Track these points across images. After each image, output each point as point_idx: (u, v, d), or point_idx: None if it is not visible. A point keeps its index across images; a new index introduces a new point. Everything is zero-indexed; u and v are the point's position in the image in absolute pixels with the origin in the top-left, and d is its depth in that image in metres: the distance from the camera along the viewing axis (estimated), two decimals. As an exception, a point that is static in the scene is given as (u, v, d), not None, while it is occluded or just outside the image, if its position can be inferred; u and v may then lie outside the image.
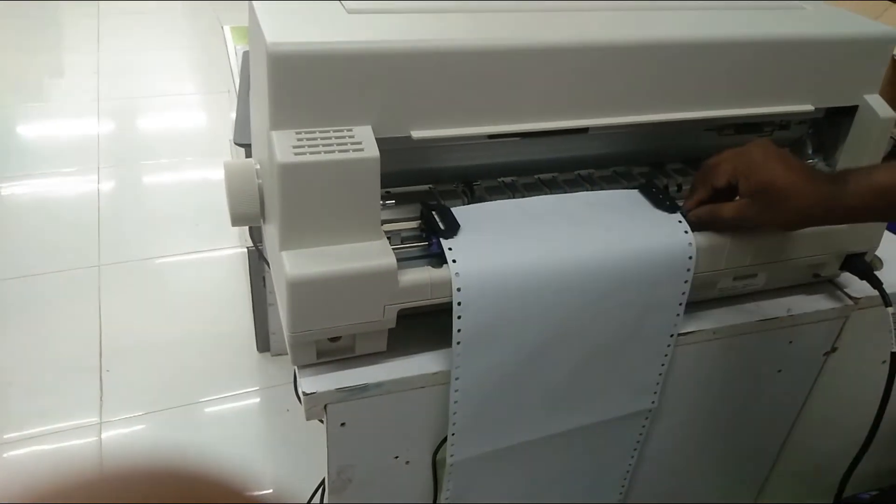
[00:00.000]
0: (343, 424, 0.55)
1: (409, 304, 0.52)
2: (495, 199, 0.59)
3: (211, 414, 1.25)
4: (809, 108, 0.62)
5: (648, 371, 0.62)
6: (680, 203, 0.59)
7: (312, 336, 0.51)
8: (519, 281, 0.52)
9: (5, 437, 1.17)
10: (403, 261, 0.52)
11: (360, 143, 0.48)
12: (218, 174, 1.87)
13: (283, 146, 0.47)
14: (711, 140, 0.66)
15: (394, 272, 0.50)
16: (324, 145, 0.48)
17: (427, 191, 0.60)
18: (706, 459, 0.79)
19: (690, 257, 0.58)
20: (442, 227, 0.53)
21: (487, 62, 0.50)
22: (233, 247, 1.59)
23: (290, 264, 0.48)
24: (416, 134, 0.51)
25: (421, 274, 0.51)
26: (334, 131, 0.49)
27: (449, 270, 0.51)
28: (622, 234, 0.56)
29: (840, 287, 0.69)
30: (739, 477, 0.84)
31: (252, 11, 0.53)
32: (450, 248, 0.52)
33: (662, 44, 0.55)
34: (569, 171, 0.64)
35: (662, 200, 0.60)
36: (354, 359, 0.55)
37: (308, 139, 0.48)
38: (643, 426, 0.66)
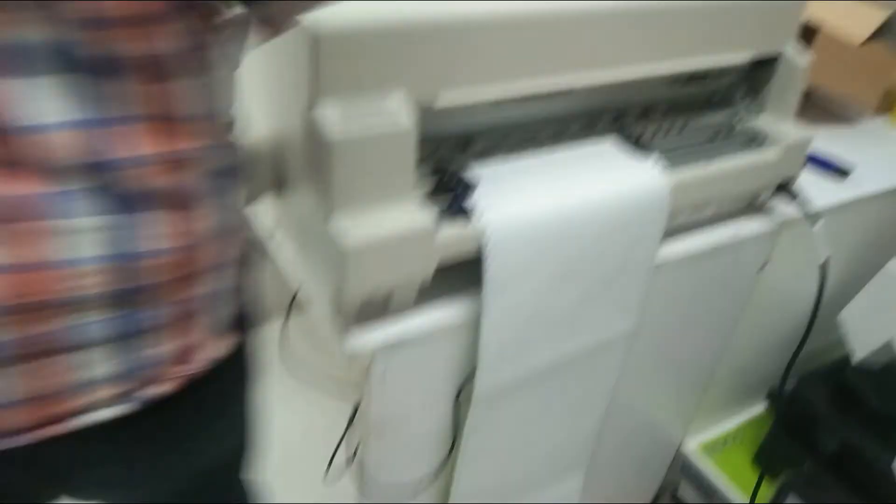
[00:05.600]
0: (384, 374, 0.60)
1: (445, 259, 0.57)
2: (492, 157, 0.65)
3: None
4: (746, 57, 0.72)
5: (634, 294, 0.71)
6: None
7: (364, 297, 0.55)
8: (537, 228, 0.59)
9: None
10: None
11: (397, 112, 0.52)
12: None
13: (330, 123, 0.50)
14: (664, 91, 0.75)
15: (433, 229, 0.55)
16: (366, 117, 0.51)
17: (431, 153, 0.64)
18: (662, 371, 0.90)
19: (666, 195, 0.66)
20: (462, 186, 0.59)
21: (505, 31, 0.56)
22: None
23: (345, 232, 0.52)
24: (443, 99, 0.56)
25: (452, 229, 0.57)
26: (373, 103, 0.52)
27: (478, 224, 0.57)
28: (612, 179, 0.64)
29: (771, 211, 0.81)
30: (685, 382, 0.97)
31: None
32: (474, 204, 0.57)
33: (651, 7, 0.63)
34: (549, 129, 0.70)
35: (637, 146, 0.68)
36: (390, 315, 0.60)
37: (351, 113, 0.51)
38: (625, 347, 0.76)
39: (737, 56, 0.72)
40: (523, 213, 0.59)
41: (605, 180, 0.64)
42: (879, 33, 0.95)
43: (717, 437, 1.07)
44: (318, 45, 0.49)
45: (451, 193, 0.59)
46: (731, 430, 1.08)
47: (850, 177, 0.92)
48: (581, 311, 0.67)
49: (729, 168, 0.72)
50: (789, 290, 0.92)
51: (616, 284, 0.68)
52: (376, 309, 0.59)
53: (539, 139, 0.69)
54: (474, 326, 0.62)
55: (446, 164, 0.63)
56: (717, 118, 0.80)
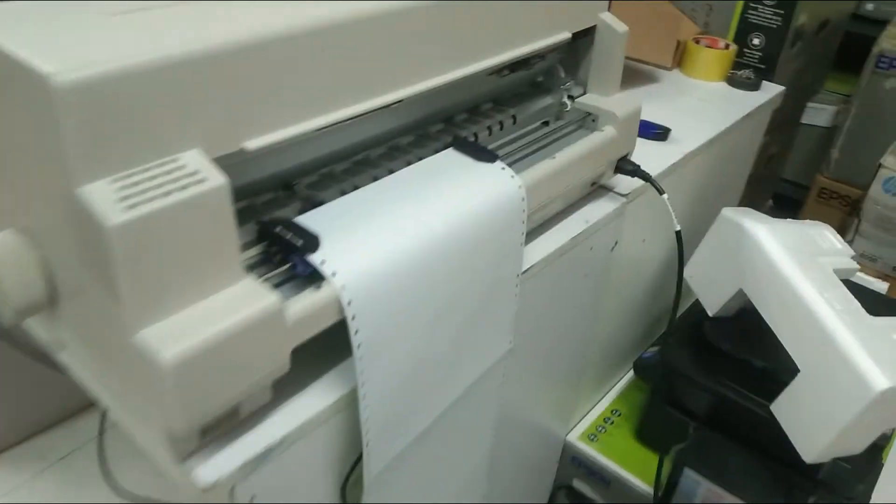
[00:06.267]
0: (253, 498, 0.47)
1: (303, 339, 0.45)
2: (322, 196, 0.54)
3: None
4: (567, 35, 0.67)
5: (507, 313, 0.63)
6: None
7: (203, 419, 0.42)
8: (400, 271, 0.49)
9: None
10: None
11: (195, 171, 0.39)
12: None
13: (104, 203, 0.36)
14: (491, 84, 0.68)
15: (280, 310, 0.42)
16: (154, 187, 0.38)
17: (244, 208, 0.51)
18: (538, 374, 0.85)
19: (523, 198, 0.59)
20: (300, 242, 0.47)
21: (308, 48, 0.44)
22: None
23: (158, 343, 0.38)
24: (251, 144, 0.43)
25: (305, 301, 0.44)
26: (159, 166, 0.38)
27: (331, 286, 0.45)
28: (463, 194, 0.56)
29: (612, 189, 0.78)
30: (561, 377, 0.92)
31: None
32: (323, 262, 0.46)
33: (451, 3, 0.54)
34: (378, 147, 0.60)
35: (479, 152, 0.60)
36: (242, 423, 0.46)
37: (131, 185, 0.37)
38: (503, 367, 0.68)
39: (557, 36, 0.66)
40: (381, 258, 0.48)
41: (457, 197, 0.55)
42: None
43: (594, 420, 1.04)
44: (62, 100, 0.34)
45: (287, 255, 0.47)
46: (605, 410, 1.06)
47: (670, 136, 0.92)
48: (460, 346, 0.58)
49: (574, 155, 0.66)
50: (639, 259, 0.91)
51: (489, 307, 0.60)
52: (225, 421, 0.45)
53: (371, 160, 0.59)
54: (350, 400, 0.51)
55: (269, 217, 0.50)
56: (545, 102, 0.74)
